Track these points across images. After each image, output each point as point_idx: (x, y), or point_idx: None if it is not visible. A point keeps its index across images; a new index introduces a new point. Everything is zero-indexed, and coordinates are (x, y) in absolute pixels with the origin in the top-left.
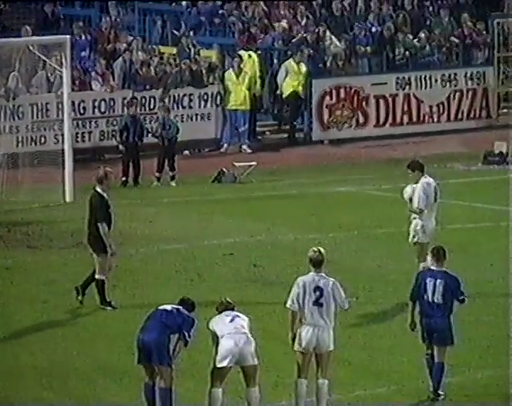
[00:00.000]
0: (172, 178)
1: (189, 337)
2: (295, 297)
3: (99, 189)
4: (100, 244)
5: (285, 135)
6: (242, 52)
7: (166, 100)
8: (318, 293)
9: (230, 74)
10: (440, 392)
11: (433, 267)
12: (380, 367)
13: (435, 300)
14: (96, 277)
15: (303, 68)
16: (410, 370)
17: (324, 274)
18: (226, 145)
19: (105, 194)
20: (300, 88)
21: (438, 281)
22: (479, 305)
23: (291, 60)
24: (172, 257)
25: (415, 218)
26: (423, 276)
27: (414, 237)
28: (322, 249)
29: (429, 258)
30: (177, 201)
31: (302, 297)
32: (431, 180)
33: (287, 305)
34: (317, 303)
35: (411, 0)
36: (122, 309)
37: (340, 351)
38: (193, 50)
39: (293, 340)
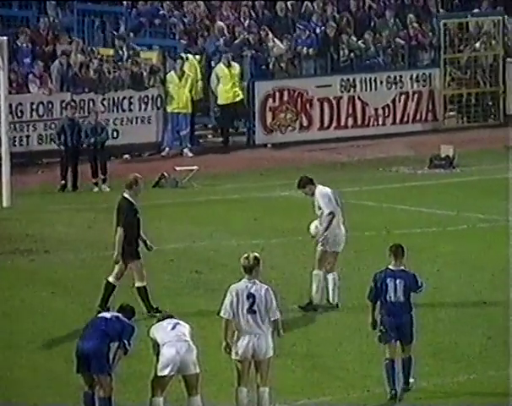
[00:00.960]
0: (104, 181)
1: (129, 345)
2: (228, 305)
3: (127, 195)
4: (132, 250)
5: (226, 139)
6: (183, 55)
7: (105, 103)
8: (250, 299)
9: (172, 77)
10: (411, 380)
11: (391, 267)
12: (324, 375)
13: (398, 299)
14: (137, 285)
15: (236, 69)
16: (355, 377)
17: (256, 280)
18: (167, 149)
19: (133, 200)
20: (235, 90)
21: (398, 280)
22: (425, 312)
23: (220, 64)
24: (111, 264)
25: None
26: (382, 276)
27: (323, 244)
28: (255, 255)
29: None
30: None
31: (235, 305)
32: (326, 188)
33: (221, 314)
34: (250, 310)
35: (356, 1)
36: (62, 317)
37: (283, 359)
38: (131, 51)
39: (226, 349)
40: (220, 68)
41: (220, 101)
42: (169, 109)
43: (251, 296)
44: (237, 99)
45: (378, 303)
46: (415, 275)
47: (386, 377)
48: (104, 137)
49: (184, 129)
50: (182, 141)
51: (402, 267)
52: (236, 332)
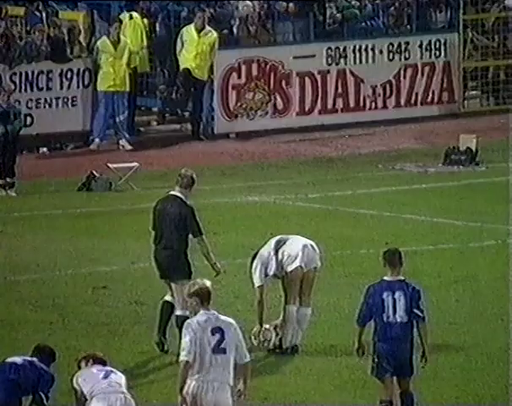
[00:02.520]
0: (11, 185)
1: (47, 399)
2: (189, 345)
3: (181, 195)
4: (185, 265)
5: (177, 127)
6: (123, 14)
7: (15, 78)
8: (218, 335)
9: (105, 44)
10: None
11: (387, 278)
12: None
13: (398, 319)
14: (178, 313)
15: (209, 38)
16: None
17: (216, 312)
18: (97, 141)
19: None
20: (200, 63)
21: (397, 293)
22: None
23: (190, 26)
24: (25, 291)
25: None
26: (377, 290)
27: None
28: (206, 281)
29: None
30: (31, 216)
31: (199, 343)
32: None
33: (181, 357)
34: (218, 348)
35: None
36: None
37: None
38: (49, 10)
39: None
40: (189, 31)
41: (181, 69)
42: (101, 88)
43: (218, 330)
44: (198, 76)
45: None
46: (417, 288)
47: None
48: (17, 125)
49: (121, 114)
50: (118, 130)
51: (401, 277)
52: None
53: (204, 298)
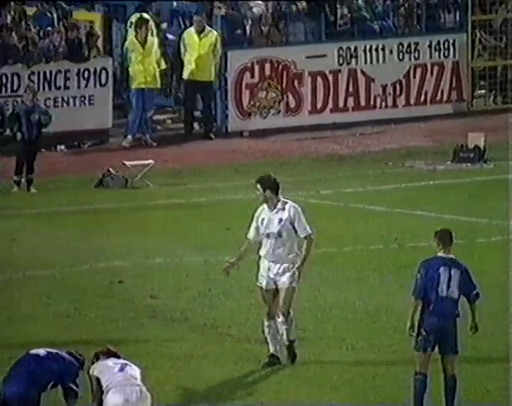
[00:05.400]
0: (30, 182)
1: (74, 383)
2: None
3: None
4: None
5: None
6: (135, 16)
7: (33, 78)
8: None
9: (133, 43)
10: None
11: (441, 254)
12: None
13: (450, 295)
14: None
15: (210, 38)
16: None
17: None
18: (129, 137)
19: None
20: (204, 65)
21: (453, 270)
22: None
23: (191, 29)
24: (42, 286)
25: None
26: (434, 264)
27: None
28: None
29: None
30: (48, 212)
31: None
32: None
33: None
34: None
35: None
36: None
37: None
38: (62, 11)
39: None
40: (189, 34)
41: (184, 76)
42: (134, 85)
43: None
44: (204, 78)
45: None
46: (467, 267)
47: (413, 399)
48: (42, 124)
49: (150, 110)
50: (144, 126)
51: (453, 256)
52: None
53: None
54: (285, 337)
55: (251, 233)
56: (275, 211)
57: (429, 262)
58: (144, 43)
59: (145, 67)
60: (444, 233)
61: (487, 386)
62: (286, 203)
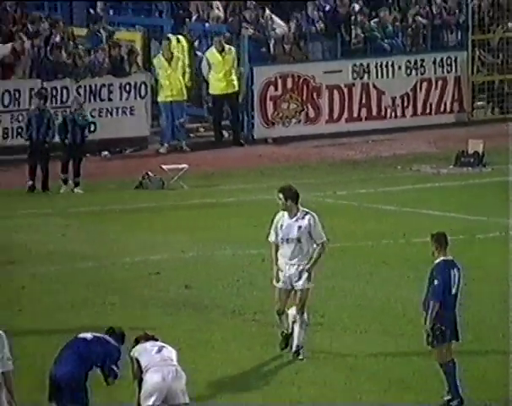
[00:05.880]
0: (77, 184)
1: (116, 365)
2: None
3: None
4: None
5: (223, 134)
6: (170, 35)
7: (81, 91)
8: None
9: (160, 61)
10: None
11: (445, 258)
12: None
13: (455, 292)
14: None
15: (231, 55)
16: None
17: None
18: (166, 145)
19: None
20: (229, 79)
21: (455, 269)
22: None
23: (212, 49)
24: (88, 277)
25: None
26: (445, 268)
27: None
28: None
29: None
30: (94, 211)
31: None
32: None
33: None
34: None
35: None
36: (30, 338)
37: None
38: (110, 31)
39: None
40: (212, 54)
41: (211, 91)
42: (161, 99)
43: None
44: (230, 90)
45: None
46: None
47: (452, 384)
48: (84, 131)
49: (179, 119)
50: (176, 133)
51: (451, 257)
52: None
53: None
54: (295, 341)
55: (272, 237)
56: (294, 218)
57: (441, 267)
58: (170, 60)
59: (171, 81)
60: (441, 235)
61: (488, 378)
62: (306, 213)
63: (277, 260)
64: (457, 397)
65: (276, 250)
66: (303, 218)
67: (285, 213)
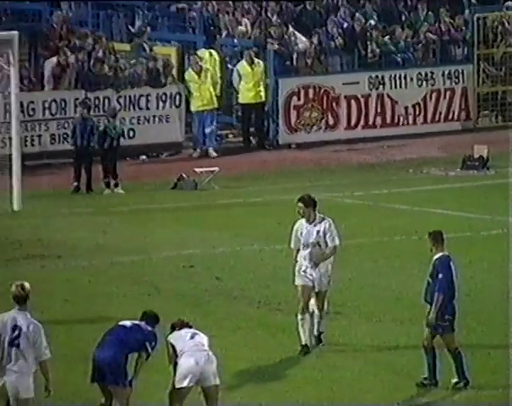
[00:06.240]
0: (116, 185)
1: (152, 349)
2: None
3: None
4: None
5: (251, 140)
6: (202, 50)
7: (121, 100)
8: (16, 332)
9: (190, 74)
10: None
11: (446, 253)
12: None
13: (455, 283)
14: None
15: (259, 67)
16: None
17: (27, 313)
18: (198, 151)
19: None
20: (257, 89)
21: (453, 263)
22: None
23: (243, 62)
24: (128, 269)
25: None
26: (447, 262)
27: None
28: (27, 285)
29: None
30: (134, 209)
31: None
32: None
33: None
34: (13, 343)
35: None
36: (74, 325)
37: None
38: (148, 47)
39: None
40: (242, 66)
41: (241, 100)
42: (193, 108)
43: (17, 328)
44: (258, 100)
45: None
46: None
47: (459, 368)
48: (116, 137)
49: (208, 126)
50: (206, 140)
51: (447, 252)
52: None
53: (16, 299)
54: (316, 327)
55: (292, 244)
56: (313, 224)
57: (443, 262)
58: (199, 73)
59: (201, 92)
60: (437, 233)
61: (489, 372)
62: (324, 219)
63: (297, 263)
64: (463, 379)
65: (296, 256)
66: (321, 223)
67: (304, 221)
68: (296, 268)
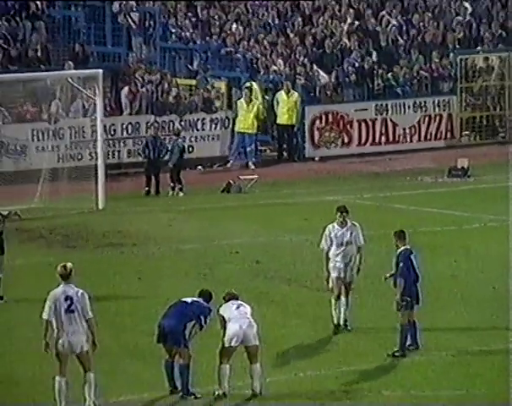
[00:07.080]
0: (180, 189)
1: (205, 322)
2: (48, 309)
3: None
4: None
5: (283, 154)
6: (248, 84)
7: (182, 123)
8: (68, 301)
9: (241, 103)
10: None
11: (405, 247)
12: None
13: (416, 271)
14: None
15: (294, 97)
16: None
17: (72, 285)
18: (231, 162)
19: None
20: (290, 114)
21: (413, 255)
22: (448, 297)
23: (281, 91)
24: (188, 255)
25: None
26: (406, 253)
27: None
28: (69, 265)
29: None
30: (192, 208)
31: (54, 308)
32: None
33: (43, 317)
34: (68, 310)
35: (385, 38)
36: (147, 299)
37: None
38: (210, 80)
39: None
40: (280, 94)
41: (278, 121)
42: (236, 129)
43: (69, 298)
44: (290, 122)
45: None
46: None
47: (409, 338)
48: (176, 153)
49: (249, 146)
50: (247, 156)
51: (408, 246)
52: (56, 331)
53: (61, 277)
54: (342, 314)
55: (323, 245)
56: (346, 228)
57: (403, 254)
58: (248, 103)
59: (246, 118)
60: (401, 232)
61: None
62: (355, 225)
63: (327, 262)
64: (402, 351)
65: (327, 256)
66: (351, 226)
67: (335, 225)
68: (331, 264)
